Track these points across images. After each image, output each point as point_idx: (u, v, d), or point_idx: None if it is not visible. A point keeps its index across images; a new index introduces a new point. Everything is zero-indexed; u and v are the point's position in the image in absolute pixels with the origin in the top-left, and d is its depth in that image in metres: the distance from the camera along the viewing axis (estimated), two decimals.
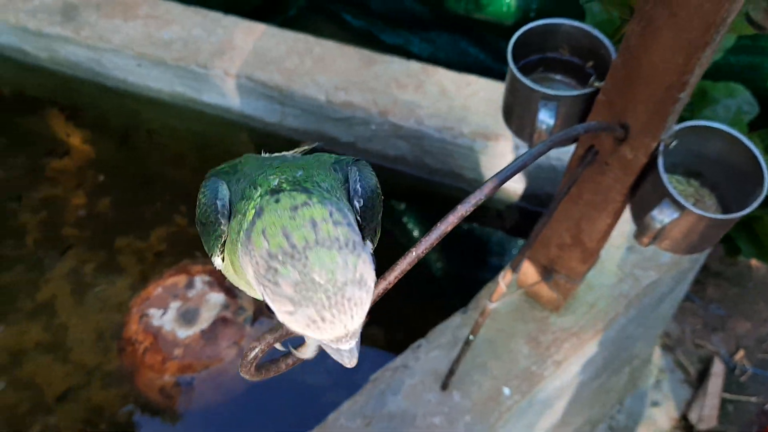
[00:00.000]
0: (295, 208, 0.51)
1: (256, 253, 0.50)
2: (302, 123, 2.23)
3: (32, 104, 2.76)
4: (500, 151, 1.99)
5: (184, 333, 1.79)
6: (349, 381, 2.02)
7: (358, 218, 0.64)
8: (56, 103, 2.69)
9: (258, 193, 0.57)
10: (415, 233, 2.26)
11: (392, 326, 2.13)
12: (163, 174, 2.49)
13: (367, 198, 0.65)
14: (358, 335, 0.54)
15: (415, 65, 2.17)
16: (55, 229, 2.42)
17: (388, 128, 2.08)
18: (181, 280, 1.91)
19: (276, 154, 0.79)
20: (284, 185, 0.57)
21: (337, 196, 0.59)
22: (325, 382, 2.07)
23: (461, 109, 2.04)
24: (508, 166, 0.85)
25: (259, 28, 2.30)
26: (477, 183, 2.13)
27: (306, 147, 0.87)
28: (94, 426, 1.96)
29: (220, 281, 1.90)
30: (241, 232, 0.54)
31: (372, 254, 0.65)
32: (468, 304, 1.72)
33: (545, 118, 1.19)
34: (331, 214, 0.52)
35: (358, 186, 0.64)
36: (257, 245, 0.50)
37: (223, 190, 0.63)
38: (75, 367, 2.07)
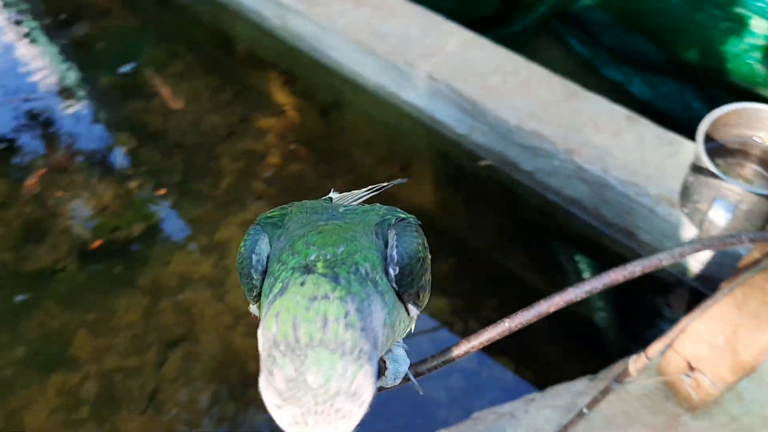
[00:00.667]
0: (314, 299, 0.50)
1: (263, 334, 0.50)
2: (488, 141, 2.21)
3: (258, 64, 3.01)
4: (683, 222, 1.83)
5: None
6: (466, 404, 2.01)
7: (394, 285, 0.61)
8: (277, 67, 2.92)
9: (293, 263, 0.56)
10: (586, 274, 2.16)
11: (524, 361, 2.07)
12: (351, 154, 2.61)
13: (404, 265, 0.62)
14: None
15: (619, 110, 2.05)
16: (248, 180, 2.63)
17: (571, 168, 2.00)
18: None
19: (330, 203, 0.74)
20: (318, 264, 0.55)
21: (374, 278, 0.57)
22: (443, 398, 2.06)
23: (654, 168, 1.90)
24: (645, 259, 0.79)
25: (472, 39, 2.31)
26: (649, 248, 1.98)
27: (386, 184, 0.84)
28: (226, 367, 2.13)
29: None
30: (270, 296, 0.54)
31: (378, 363, 0.61)
32: (598, 373, 1.62)
33: (721, 210, 1.07)
34: (346, 315, 0.50)
35: (394, 253, 0.62)
36: (268, 326, 0.50)
37: (262, 245, 0.64)
38: (227, 308, 2.25)
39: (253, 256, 0.63)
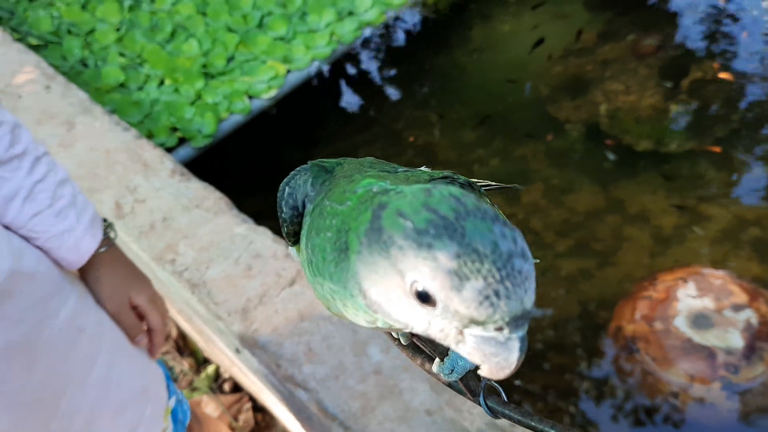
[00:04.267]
0: (427, 190, 0.44)
1: (397, 237, 0.43)
2: None
3: None
4: None
5: (678, 323, 1.68)
6: None
7: None
8: None
9: (363, 188, 0.50)
10: None
11: None
12: None
13: None
14: (527, 324, 0.44)
15: None
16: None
17: None
18: (743, 297, 1.69)
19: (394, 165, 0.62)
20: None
21: None
22: None
23: None
24: None
25: None
26: None
27: (498, 185, 0.66)
28: (587, 302, 2.09)
29: None
30: (359, 236, 0.46)
31: None
32: None
33: None
34: (467, 195, 0.44)
35: None
36: (396, 228, 0.43)
37: (299, 181, 0.60)
38: (616, 271, 2.15)
39: (287, 188, 0.60)
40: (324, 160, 0.63)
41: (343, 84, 2.90)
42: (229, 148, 2.53)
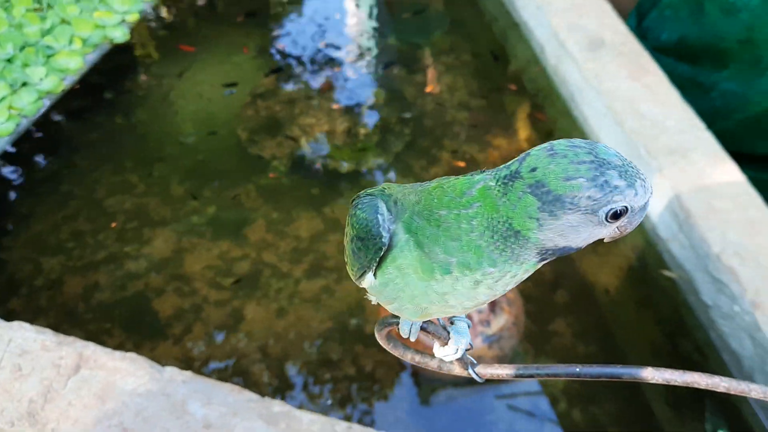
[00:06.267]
0: (549, 152, 0.57)
1: (581, 192, 0.55)
2: (682, 256, 2.15)
3: (519, 88, 3.15)
4: None
5: None
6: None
7: None
8: (533, 99, 3.03)
9: (476, 189, 0.59)
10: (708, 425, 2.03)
11: None
12: None
13: None
14: None
15: None
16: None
17: (748, 321, 1.90)
18: None
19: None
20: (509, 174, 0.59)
21: None
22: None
23: None
24: (735, 381, 0.69)
25: (721, 159, 2.24)
26: None
27: None
28: (338, 315, 2.29)
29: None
30: (533, 216, 0.56)
31: None
32: None
33: None
34: (558, 142, 0.59)
35: None
36: (575, 189, 0.55)
37: (383, 208, 0.64)
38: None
39: (378, 216, 0.64)
40: (368, 189, 0.70)
41: (30, 161, 2.65)
42: None
